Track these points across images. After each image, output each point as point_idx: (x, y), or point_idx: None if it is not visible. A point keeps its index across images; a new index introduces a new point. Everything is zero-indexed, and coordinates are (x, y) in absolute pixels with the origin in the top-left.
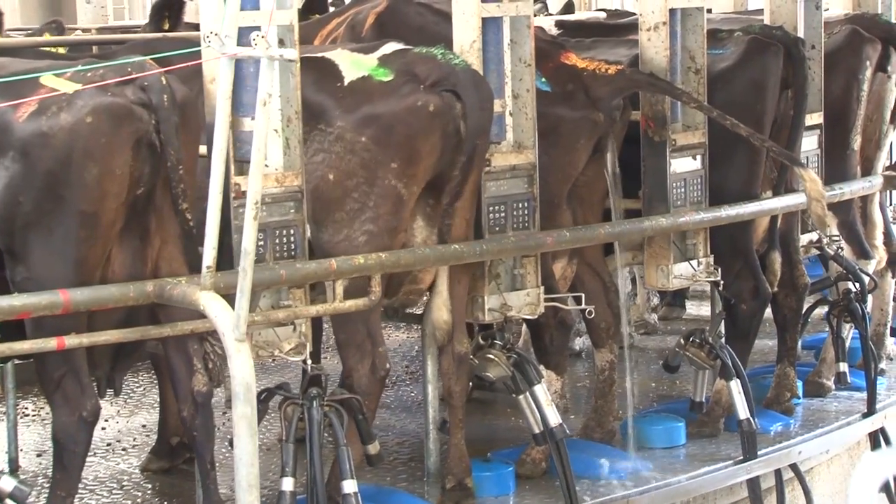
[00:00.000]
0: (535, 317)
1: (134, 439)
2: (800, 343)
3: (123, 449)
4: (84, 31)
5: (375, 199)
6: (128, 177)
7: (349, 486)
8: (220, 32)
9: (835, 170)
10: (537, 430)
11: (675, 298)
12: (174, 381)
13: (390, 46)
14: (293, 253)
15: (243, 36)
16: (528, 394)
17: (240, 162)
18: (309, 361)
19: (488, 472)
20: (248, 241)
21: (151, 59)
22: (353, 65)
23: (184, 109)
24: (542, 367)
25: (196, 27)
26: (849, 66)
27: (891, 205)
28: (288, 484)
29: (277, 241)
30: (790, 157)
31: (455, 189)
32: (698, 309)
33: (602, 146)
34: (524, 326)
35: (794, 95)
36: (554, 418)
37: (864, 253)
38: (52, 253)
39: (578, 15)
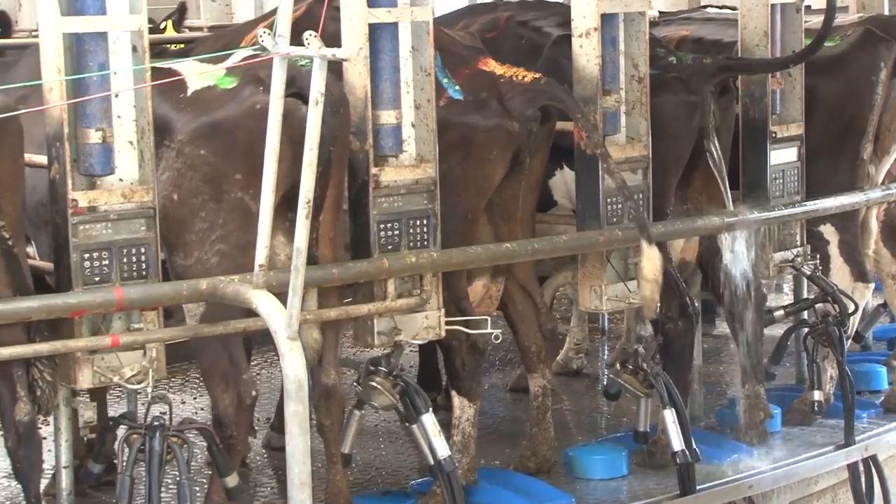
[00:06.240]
0: (425, 342)
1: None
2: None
3: None
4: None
5: (224, 215)
6: None
7: None
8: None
9: (842, 181)
10: (432, 462)
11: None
12: None
13: (242, 53)
14: (144, 273)
15: (84, 42)
16: (421, 423)
17: (86, 176)
18: (150, 389)
19: None
20: (301, 239)
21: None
22: (201, 75)
23: None
24: (454, 393)
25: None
26: (862, 68)
27: None
28: None
29: (126, 260)
30: (642, 226)
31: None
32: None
33: (521, 158)
34: None
35: None
36: (442, 450)
37: (862, 275)
38: None
39: None
